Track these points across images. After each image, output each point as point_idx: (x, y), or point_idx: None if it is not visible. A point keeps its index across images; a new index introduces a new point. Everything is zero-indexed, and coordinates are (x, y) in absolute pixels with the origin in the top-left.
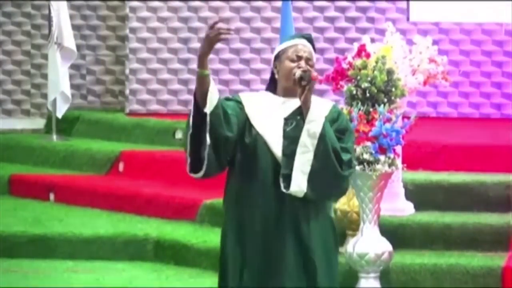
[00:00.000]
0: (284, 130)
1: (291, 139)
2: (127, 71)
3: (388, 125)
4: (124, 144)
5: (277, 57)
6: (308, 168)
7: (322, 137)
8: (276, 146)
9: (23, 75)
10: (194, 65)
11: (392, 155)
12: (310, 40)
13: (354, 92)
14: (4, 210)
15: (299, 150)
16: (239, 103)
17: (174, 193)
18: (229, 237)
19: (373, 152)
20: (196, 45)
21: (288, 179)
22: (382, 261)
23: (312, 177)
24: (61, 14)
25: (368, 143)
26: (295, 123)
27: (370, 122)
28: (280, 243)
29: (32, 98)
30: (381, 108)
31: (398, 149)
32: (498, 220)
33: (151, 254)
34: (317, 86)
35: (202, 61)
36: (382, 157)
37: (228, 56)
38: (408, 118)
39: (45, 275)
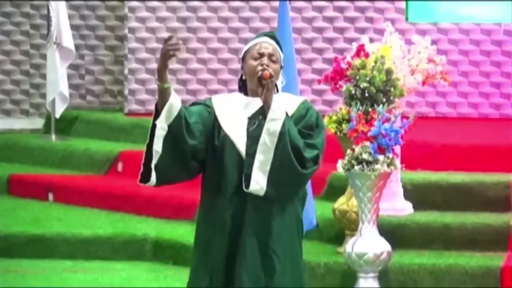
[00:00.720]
0: (248, 130)
1: (254, 139)
2: (126, 71)
3: (387, 125)
4: (123, 144)
5: (244, 58)
6: (268, 167)
7: (282, 136)
8: (242, 146)
9: (22, 75)
10: (192, 65)
11: (391, 155)
12: (273, 37)
13: (353, 92)
14: (3, 210)
15: (259, 149)
16: (208, 106)
17: (173, 193)
18: (199, 236)
19: (372, 152)
20: (195, 45)
21: (249, 178)
22: (381, 261)
23: (272, 176)
24: (60, 14)
25: (367, 143)
26: (257, 122)
27: (369, 122)
28: (242, 242)
29: (31, 98)
30: (380, 108)
31: (397, 149)
32: (497, 220)
33: (150, 254)
34: (317, 86)
35: (161, 75)
36: (381, 157)
37: (227, 56)
38: (407, 118)
39: (44, 275)
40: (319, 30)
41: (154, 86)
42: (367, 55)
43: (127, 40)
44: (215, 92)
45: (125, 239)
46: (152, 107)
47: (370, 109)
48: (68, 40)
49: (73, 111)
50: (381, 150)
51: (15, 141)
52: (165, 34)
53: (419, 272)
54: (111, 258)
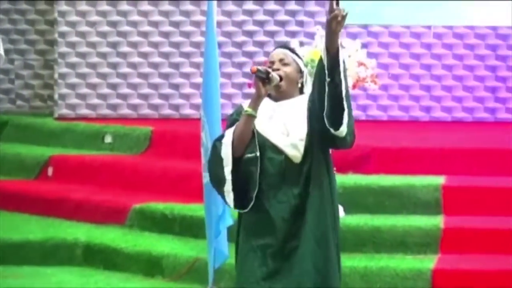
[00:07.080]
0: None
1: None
2: (56, 76)
3: None
4: (53, 149)
5: None
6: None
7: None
8: (277, 140)
9: None
10: (122, 69)
11: None
12: (284, 46)
13: None
14: None
15: None
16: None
17: (104, 197)
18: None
19: None
20: (125, 49)
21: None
22: None
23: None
24: None
25: None
26: None
27: None
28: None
29: None
30: None
31: None
32: (428, 222)
33: (81, 259)
34: (247, 90)
35: (258, 103)
36: None
37: (158, 60)
38: None
39: None
40: (249, 33)
41: (84, 90)
42: None
43: (57, 44)
44: (145, 96)
45: (56, 243)
46: (81, 111)
47: None
48: None
49: (3, 116)
50: None
51: None
52: (96, 39)
53: (350, 275)
54: (42, 263)
